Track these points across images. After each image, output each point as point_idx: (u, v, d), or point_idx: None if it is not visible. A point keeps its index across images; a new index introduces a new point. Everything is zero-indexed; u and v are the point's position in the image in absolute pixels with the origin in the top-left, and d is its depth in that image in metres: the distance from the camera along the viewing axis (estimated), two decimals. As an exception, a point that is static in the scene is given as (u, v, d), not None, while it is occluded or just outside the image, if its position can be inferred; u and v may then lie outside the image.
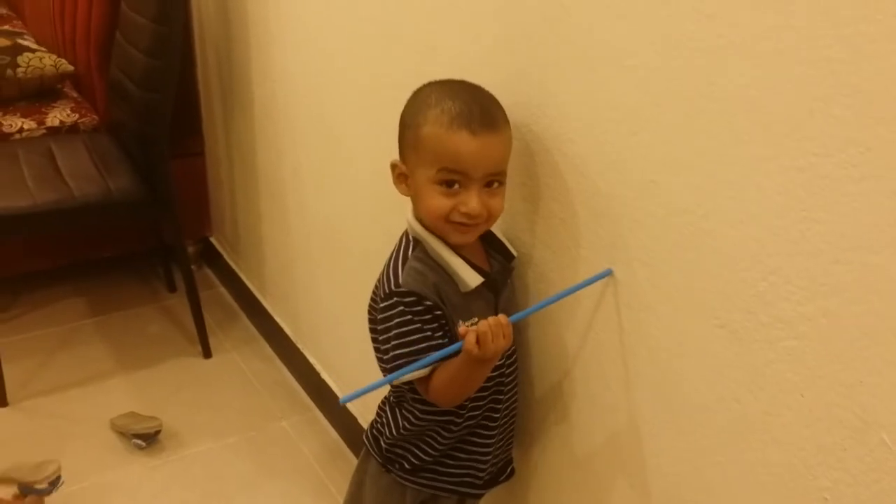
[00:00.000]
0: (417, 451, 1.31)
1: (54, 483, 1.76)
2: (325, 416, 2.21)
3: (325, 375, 2.19)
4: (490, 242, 1.27)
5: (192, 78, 2.62)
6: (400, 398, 1.31)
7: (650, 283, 1.09)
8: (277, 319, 2.42)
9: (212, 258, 2.85)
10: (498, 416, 1.30)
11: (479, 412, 1.28)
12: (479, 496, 1.38)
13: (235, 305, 2.70)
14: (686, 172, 0.99)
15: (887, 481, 0.84)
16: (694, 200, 0.99)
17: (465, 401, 1.24)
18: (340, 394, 2.11)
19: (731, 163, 0.93)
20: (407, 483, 1.34)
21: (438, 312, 1.17)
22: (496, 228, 1.27)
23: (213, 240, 2.84)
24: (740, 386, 0.99)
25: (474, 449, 1.31)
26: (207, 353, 2.45)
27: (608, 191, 1.11)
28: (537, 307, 1.24)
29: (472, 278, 1.18)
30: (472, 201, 1.12)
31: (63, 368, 2.38)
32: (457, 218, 1.14)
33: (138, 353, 2.45)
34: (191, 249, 2.83)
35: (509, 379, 1.30)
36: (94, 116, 2.56)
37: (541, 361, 1.35)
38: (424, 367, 1.12)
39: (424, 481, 1.33)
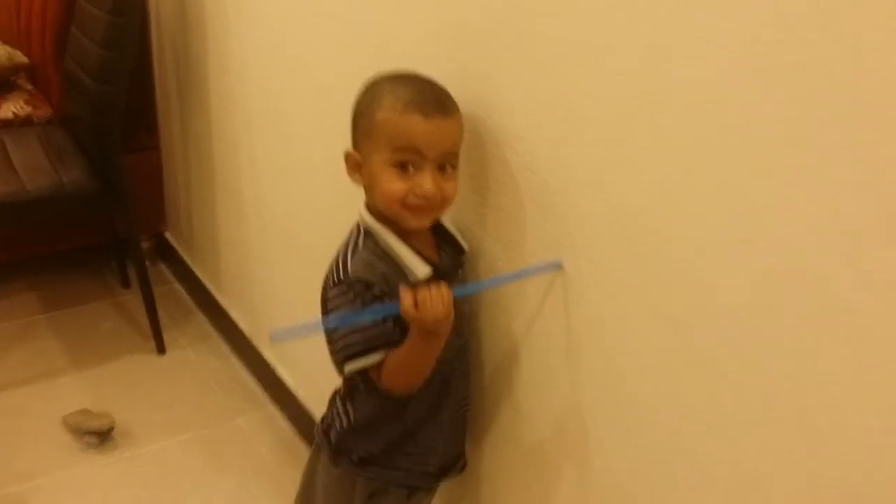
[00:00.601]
0: (368, 443, 1.31)
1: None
2: (281, 412, 2.20)
3: (280, 371, 2.18)
4: (441, 235, 1.28)
5: (148, 72, 2.59)
6: (352, 390, 1.31)
7: (595, 279, 1.10)
8: (233, 316, 2.40)
9: (166, 254, 2.82)
10: (446, 409, 1.31)
11: (428, 404, 1.28)
12: (429, 489, 1.38)
13: (190, 301, 2.68)
14: (631, 171, 1.00)
15: (826, 469, 0.86)
16: (638, 199, 1.00)
17: (413, 393, 1.24)
18: (297, 391, 2.11)
19: (675, 161, 0.94)
20: (357, 475, 1.34)
21: (387, 301, 1.17)
22: (447, 221, 1.28)
23: (167, 235, 2.81)
24: (682, 381, 1.00)
25: (424, 441, 1.32)
26: (161, 350, 2.42)
27: (556, 187, 1.12)
28: (481, 285, 1.28)
29: (420, 269, 1.18)
30: (426, 182, 1.14)
31: (15, 364, 2.34)
32: (412, 200, 1.15)
33: (92, 350, 2.42)
34: (145, 245, 2.79)
35: (457, 373, 1.30)
36: (49, 109, 2.52)
37: (490, 353, 1.36)
38: (361, 320, 1.15)
39: (372, 474, 1.33)
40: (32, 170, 2.15)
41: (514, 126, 1.17)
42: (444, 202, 1.18)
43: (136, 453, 2.07)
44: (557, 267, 1.15)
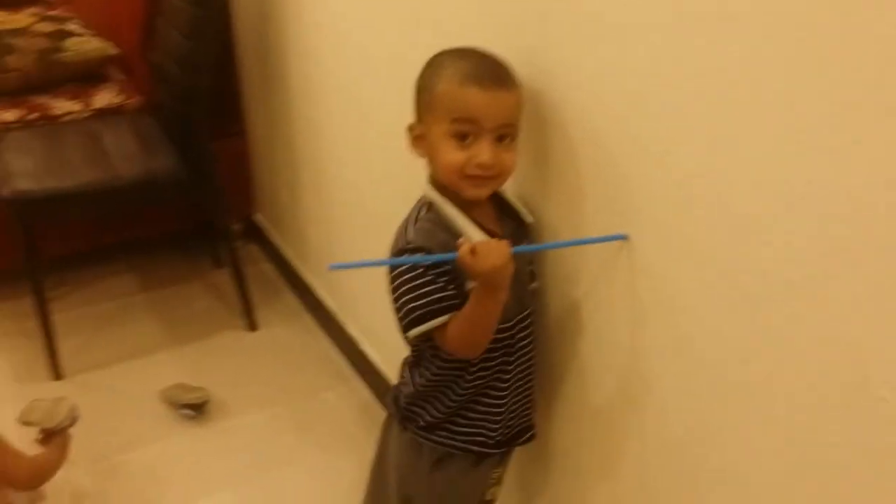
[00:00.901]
0: (432, 409, 1.36)
1: (73, 419, 1.82)
2: (366, 386, 2.27)
3: (365, 347, 2.24)
4: (503, 208, 1.30)
5: (232, 60, 2.67)
6: (418, 357, 1.35)
7: (662, 248, 1.11)
8: (319, 293, 2.48)
9: (256, 235, 2.91)
10: (509, 377, 1.33)
11: (489, 372, 1.31)
12: (492, 455, 1.41)
13: (280, 280, 2.77)
14: (695, 143, 1.01)
15: (887, 436, 0.86)
16: (701, 170, 1.01)
17: (476, 360, 1.28)
18: (381, 365, 2.17)
19: (741, 131, 0.94)
20: (422, 440, 1.38)
21: (446, 267, 1.20)
22: (510, 194, 1.30)
23: (257, 217, 2.91)
24: (747, 345, 1.01)
25: (484, 409, 1.34)
26: (253, 327, 2.52)
27: (620, 161, 1.14)
28: (543, 247, 1.31)
29: (477, 237, 1.21)
30: (484, 153, 1.17)
31: (114, 342, 2.47)
32: (471, 171, 1.18)
33: (186, 328, 2.54)
34: (236, 227, 2.89)
35: (520, 343, 1.33)
36: (139, 98, 2.62)
37: (556, 323, 1.39)
38: (419, 263, 1.19)
39: (438, 438, 1.37)
40: (124, 157, 2.26)
41: (579, 101, 1.18)
42: (502, 173, 1.21)
43: (229, 425, 2.17)
44: (623, 238, 1.17)
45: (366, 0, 1.77)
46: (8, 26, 2.61)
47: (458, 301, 1.20)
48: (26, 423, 1.78)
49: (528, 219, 1.32)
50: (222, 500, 1.96)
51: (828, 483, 0.95)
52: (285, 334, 2.51)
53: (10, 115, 2.47)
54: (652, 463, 1.25)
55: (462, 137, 1.18)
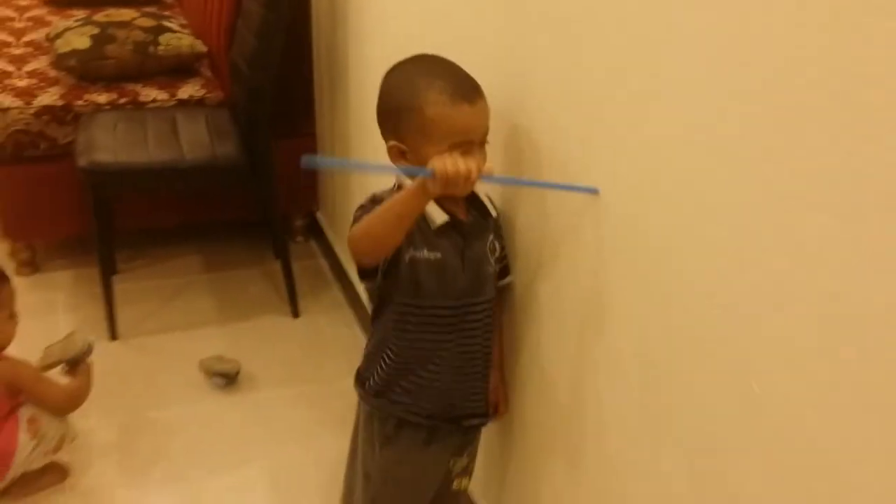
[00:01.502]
0: (376, 372, 1.47)
1: (90, 348, 2.00)
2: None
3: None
4: (471, 200, 1.40)
5: (308, 65, 2.86)
6: (373, 316, 1.47)
7: (635, 201, 1.16)
8: (359, 289, 2.62)
9: (316, 231, 3.09)
10: (446, 356, 1.41)
11: (427, 345, 1.41)
12: (426, 428, 1.47)
13: (330, 275, 2.93)
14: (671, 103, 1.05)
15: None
16: (670, 137, 1.06)
17: (413, 328, 1.39)
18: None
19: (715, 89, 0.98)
20: (367, 404, 1.50)
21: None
22: (480, 189, 1.40)
23: (318, 215, 3.08)
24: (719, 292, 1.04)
25: (418, 381, 1.43)
26: (296, 314, 2.69)
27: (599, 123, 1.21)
28: (515, 181, 1.40)
29: (438, 216, 1.33)
30: (480, 165, 1.22)
31: (170, 314, 2.68)
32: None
33: (236, 308, 2.73)
34: (299, 223, 3.09)
35: (467, 326, 1.41)
36: (220, 93, 2.85)
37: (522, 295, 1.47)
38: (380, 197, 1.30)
39: (378, 403, 1.48)
40: (193, 143, 2.47)
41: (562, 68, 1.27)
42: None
43: (255, 397, 2.33)
44: (594, 192, 1.21)
45: (410, 13, 1.90)
46: (114, 19, 2.88)
47: None
48: (48, 366, 1.97)
49: (493, 212, 1.43)
50: (235, 462, 2.11)
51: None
52: (325, 323, 2.66)
53: (102, 98, 2.73)
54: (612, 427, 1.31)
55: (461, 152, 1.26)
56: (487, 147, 1.36)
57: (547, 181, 1.34)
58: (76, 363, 1.98)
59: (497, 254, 1.45)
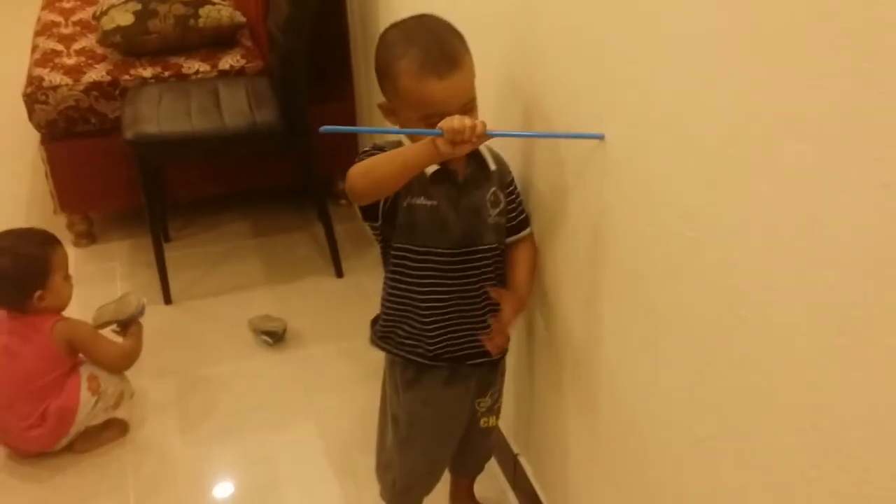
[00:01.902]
0: (383, 316, 1.55)
1: (142, 308, 2.11)
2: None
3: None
4: (472, 154, 1.41)
5: (343, 30, 2.92)
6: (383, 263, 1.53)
7: (638, 146, 1.20)
8: (400, 247, 2.69)
9: (359, 194, 3.15)
10: (444, 303, 1.47)
11: (422, 289, 1.47)
12: (446, 369, 1.55)
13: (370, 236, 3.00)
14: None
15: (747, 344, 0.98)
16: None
17: (409, 274, 1.45)
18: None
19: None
20: (375, 346, 1.58)
21: None
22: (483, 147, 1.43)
23: (360, 177, 3.14)
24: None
25: (420, 325, 1.49)
26: (339, 274, 2.77)
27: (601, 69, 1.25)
28: (520, 134, 1.46)
29: (430, 167, 1.37)
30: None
31: (220, 278, 2.78)
32: None
33: (283, 270, 2.82)
34: (341, 186, 3.15)
35: (464, 274, 1.46)
36: (260, 62, 2.93)
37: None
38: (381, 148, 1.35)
39: (387, 346, 1.56)
40: (234, 111, 2.55)
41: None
42: None
43: (301, 353, 2.43)
44: (600, 138, 1.25)
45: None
46: (155, -6, 2.97)
47: None
48: (102, 325, 2.09)
49: (492, 166, 1.45)
50: (282, 414, 2.22)
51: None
52: (367, 282, 2.74)
53: (147, 72, 2.83)
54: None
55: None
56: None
57: (553, 132, 1.38)
58: (129, 323, 2.09)
59: (501, 206, 1.48)
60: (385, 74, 1.37)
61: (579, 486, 1.62)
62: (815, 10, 0.81)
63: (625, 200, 1.24)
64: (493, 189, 1.46)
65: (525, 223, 1.54)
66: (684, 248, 1.10)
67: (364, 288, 2.72)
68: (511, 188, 1.51)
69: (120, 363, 2.08)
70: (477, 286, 1.49)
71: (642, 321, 1.25)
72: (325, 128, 1.21)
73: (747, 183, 0.95)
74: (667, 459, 1.24)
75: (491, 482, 1.95)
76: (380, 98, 1.41)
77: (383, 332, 1.56)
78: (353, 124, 3.10)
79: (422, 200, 1.40)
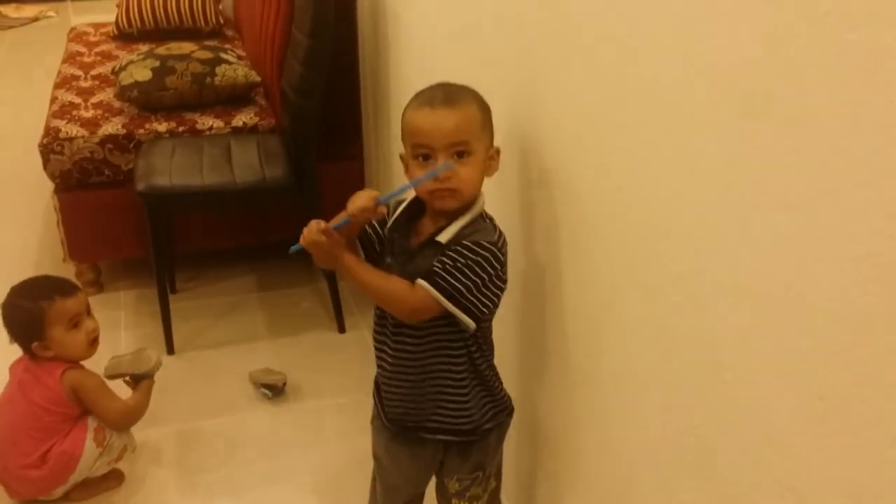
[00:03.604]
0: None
1: (159, 365, 2.13)
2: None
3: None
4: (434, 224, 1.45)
5: (355, 91, 2.99)
6: None
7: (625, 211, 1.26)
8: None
9: (365, 251, 3.19)
10: (388, 363, 1.53)
11: (377, 345, 1.56)
12: (388, 429, 1.60)
13: (377, 293, 3.03)
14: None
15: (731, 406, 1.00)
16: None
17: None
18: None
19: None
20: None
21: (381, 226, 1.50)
22: (465, 219, 1.41)
23: (366, 235, 3.19)
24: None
25: (380, 384, 1.59)
26: (342, 329, 2.80)
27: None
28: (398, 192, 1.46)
29: (390, 220, 1.48)
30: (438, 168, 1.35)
31: (224, 330, 2.81)
32: (430, 186, 1.37)
33: (286, 324, 2.85)
34: (347, 242, 3.20)
35: (396, 339, 1.50)
36: (272, 121, 2.99)
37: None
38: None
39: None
40: (244, 167, 2.61)
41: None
42: (459, 186, 1.37)
43: (300, 406, 2.45)
44: (450, 167, 1.34)
45: (440, 40, 2.01)
46: (174, 52, 3.06)
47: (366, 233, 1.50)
48: (114, 376, 2.11)
49: (441, 239, 1.41)
50: (282, 468, 2.22)
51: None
52: (369, 337, 2.69)
53: (162, 127, 2.89)
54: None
55: (424, 157, 1.38)
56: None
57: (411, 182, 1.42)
58: (142, 378, 2.11)
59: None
60: (402, 121, 1.44)
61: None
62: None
63: (611, 262, 1.27)
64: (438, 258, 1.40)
65: (424, 274, 1.37)
66: (670, 313, 1.13)
67: (366, 343, 2.71)
68: (451, 250, 1.38)
69: (121, 421, 2.09)
70: (419, 351, 1.48)
71: (628, 385, 1.28)
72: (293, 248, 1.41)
73: (731, 251, 0.98)
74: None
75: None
76: (388, 156, 1.47)
77: (376, 383, 1.63)
78: (362, 182, 3.15)
79: (388, 260, 1.48)
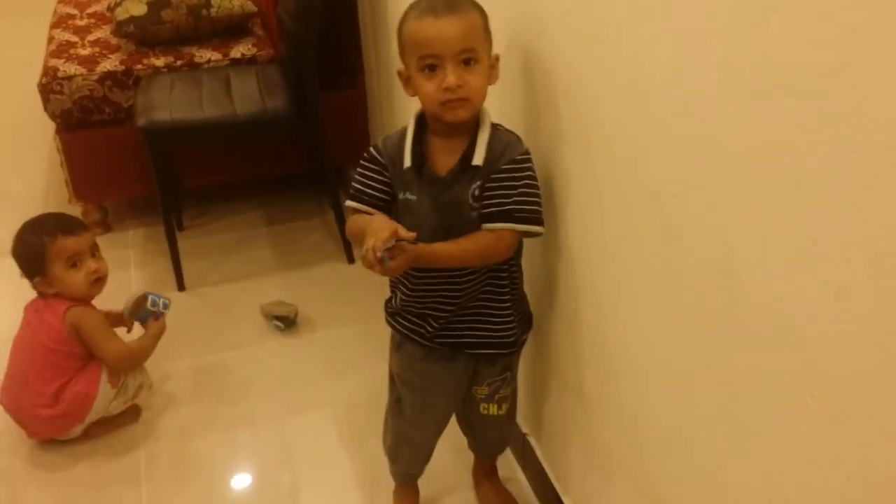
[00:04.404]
0: (391, 298, 1.62)
1: (163, 305, 2.12)
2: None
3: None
4: (470, 147, 1.41)
5: (354, 18, 2.92)
6: None
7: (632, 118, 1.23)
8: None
9: (371, 181, 3.16)
10: (415, 285, 1.52)
11: (403, 279, 1.53)
12: (422, 345, 1.59)
13: (385, 222, 3.01)
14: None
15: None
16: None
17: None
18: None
19: None
20: (387, 323, 1.64)
21: (380, 169, 1.46)
22: (484, 136, 1.40)
23: (372, 164, 3.15)
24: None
25: (404, 304, 1.56)
26: (350, 260, 2.79)
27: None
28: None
29: (406, 160, 1.42)
30: (449, 76, 1.32)
31: (233, 266, 2.81)
32: (442, 97, 1.34)
33: (296, 257, 2.84)
34: (352, 172, 3.16)
35: (439, 283, 1.49)
36: (271, 50, 2.94)
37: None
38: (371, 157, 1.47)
39: (390, 321, 1.63)
40: (244, 98, 2.57)
41: None
42: (471, 95, 1.35)
43: (312, 337, 2.45)
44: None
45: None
46: (167, -16, 2.99)
47: (373, 199, 1.46)
48: (132, 317, 2.12)
49: (477, 162, 1.39)
50: (296, 397, 2.24)
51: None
52: (378, 268, 2.74)
53: (160, 62, 2.85)
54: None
55: (430, 69, 1.34)
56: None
57: None
58: (148, 319, 2.11)
59: (478, 197, 1.42)
60: (398, 35, 1.40)
61: (581, 466, 1.63)
62: None
63: (616, 169, 1.25)
64: (477, 184, 1.41)
65: (497, 217, 1.40)
66: (676, 216, 1.10)
67: (372, 273, 2.72)
68: (496, 177, 1.40)
69: (119, 363, 2.06)
70: (466, 284, 1.49)
71: (640, 292, 1.26)
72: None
73: (736, 147, 0.95)
74: (666, 436, 1.25)
75: (502, 461, 1.95)
76: (389, 84, 1.43)
77: (390, 310, 1.61)
78: (364, 112, 3.10)
79: (407, 195, 1.44)
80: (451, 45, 1.32)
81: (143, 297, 2.09)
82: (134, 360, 2.09)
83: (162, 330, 2.12)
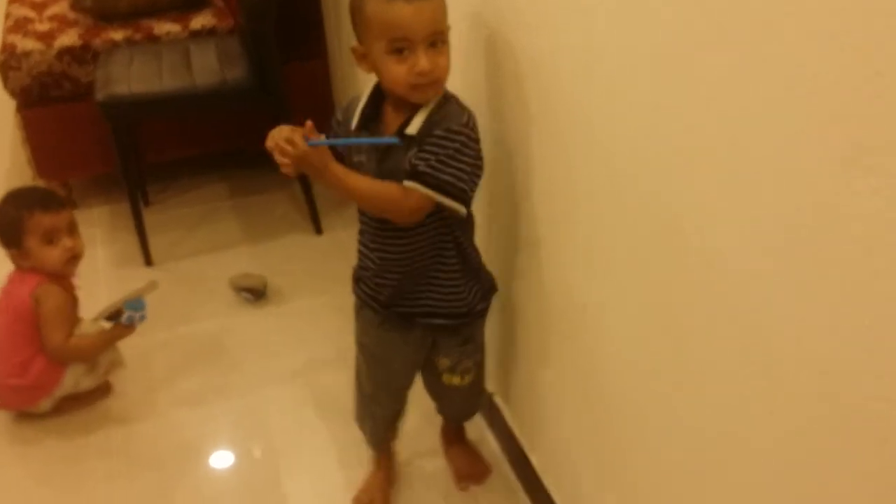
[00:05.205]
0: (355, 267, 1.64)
1: (151, 286, 2.12)
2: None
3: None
4: (406, 117, 1.41)
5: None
6: None
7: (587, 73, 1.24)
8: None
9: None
10: (370, 250, 1.54)
11: (361, 233, 1.57)
12: (379, 313, 1.61)
13: (351, 192, 3.01)
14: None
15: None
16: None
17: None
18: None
19: None
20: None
21: (335, 127, 1.49)
22: (426, 109, 1.39)
23: (337, 134, 3.15)
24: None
25: (361, 271, 1.61)
26: (318, 231, 2.79)
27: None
28: (336, 142, 1.47)
29: (354, 120, 1.44)
30: (421, 61, 1.32)
31: (200, 239, 2.80)
32: (413, 80, 1.33)
33: (262, 229, 2.84)
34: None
35: (383, 227, 1.49)
36: (231, 21, 2.92)
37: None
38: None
39: (355, 288, 1.66)
40: (204, 70, 2.55)
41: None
42: (440, 77, 1.35)
43: (282, 309, 2.46)
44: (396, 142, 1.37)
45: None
46: (123, -44, 2.95)
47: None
48: (109, 316, 2.10)
49: (410, 131, 1.39)
50: (269, 368, 2.25)
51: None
52: (346, 238, 2.75)
53: (119, 35, 2.82)
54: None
55: (399, 51, 1.32)
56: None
57: (360, 139, 1.44)
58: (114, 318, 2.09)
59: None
60: (355, 9, 1.37)
61: (549, 425, 1.66)
62: None
63: (574, 133, 1.26)
64: (413, 151, 1.39)
65: (410, 175, 1.38)
66: (629, 180, 1.12)
67: (343, 243, 2.73)
68: (425, 144, 1.38)
69: (54, 352, 2.03)
70: (409, 246, 1.49)
71: (596, 256, 1.28)
72: (310, 142, 1.30)
73: (685, 110, 0.97)
74: (625, 391, 1.28)
75: (471, 422, 1.97)
76: (348, 57, 1.42)
77: (355, 276, 1.65)
78: (327, 82, 3.09)
79: (360, 158, 1.46)
80: (423, 29, 1.31)
81: (120, 311, 2.08)
82: (72, 358, 2.06)
83: (121, 336, 2.10)
